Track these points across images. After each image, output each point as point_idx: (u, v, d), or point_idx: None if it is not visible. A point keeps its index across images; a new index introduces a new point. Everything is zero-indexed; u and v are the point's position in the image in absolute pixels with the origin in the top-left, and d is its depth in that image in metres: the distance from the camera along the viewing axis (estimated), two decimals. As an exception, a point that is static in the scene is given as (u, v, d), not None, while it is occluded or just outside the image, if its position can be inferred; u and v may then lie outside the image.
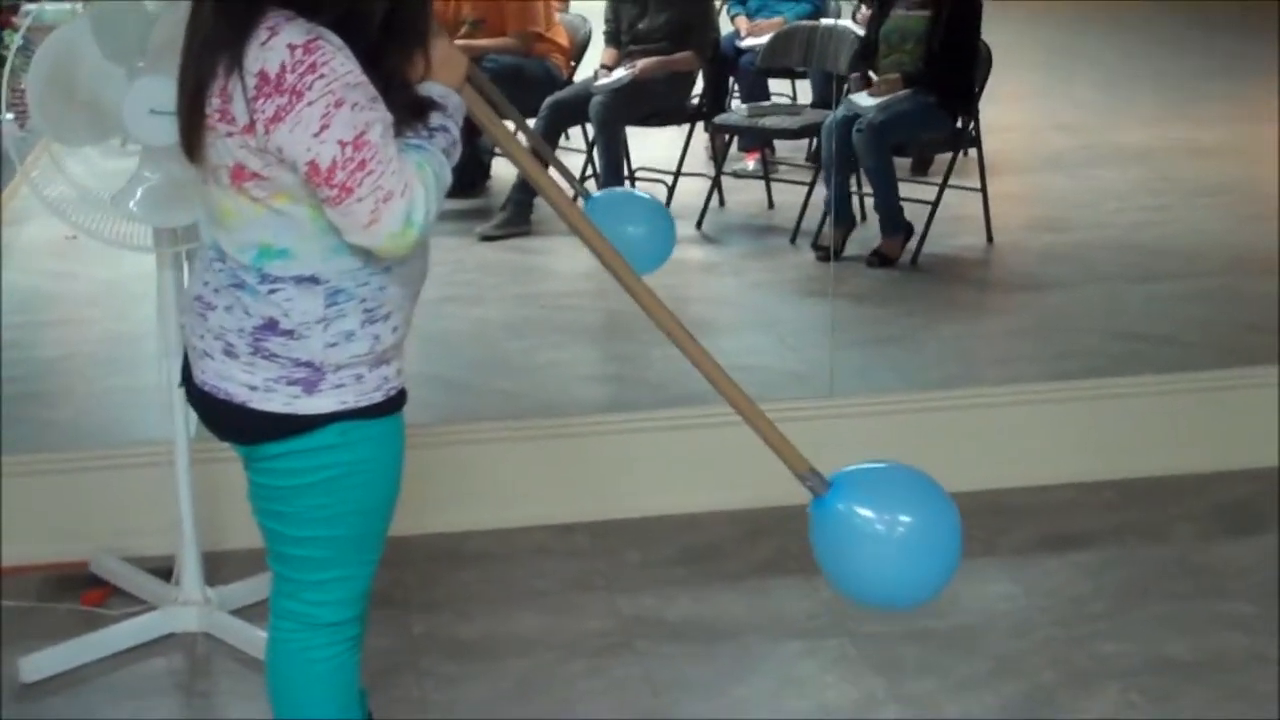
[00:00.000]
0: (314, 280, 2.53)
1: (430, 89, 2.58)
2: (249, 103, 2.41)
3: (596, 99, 6.43)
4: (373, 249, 2.47)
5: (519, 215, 6.38)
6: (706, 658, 3.72)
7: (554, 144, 6.49)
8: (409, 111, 2.52)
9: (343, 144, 2.39)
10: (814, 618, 3.88)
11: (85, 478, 4.24)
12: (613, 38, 6.78)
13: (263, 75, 2.40)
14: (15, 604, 3.99)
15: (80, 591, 4.03)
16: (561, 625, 3.88)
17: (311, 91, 2.38)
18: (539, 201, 6.21)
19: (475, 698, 3.55)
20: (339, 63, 2.41)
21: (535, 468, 4.46)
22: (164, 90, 3.30)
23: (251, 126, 2.42)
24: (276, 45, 2.40)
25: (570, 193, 3.15)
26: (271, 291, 2.54)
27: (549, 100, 6.52)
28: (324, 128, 2.39)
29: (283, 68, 2.39)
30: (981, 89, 6.35)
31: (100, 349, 5.41)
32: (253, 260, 2.54)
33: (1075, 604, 3.96)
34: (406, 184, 2.42)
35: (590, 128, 6.55)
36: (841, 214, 6.15)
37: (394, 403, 2.67)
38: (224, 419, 2.65)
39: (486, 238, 6.35)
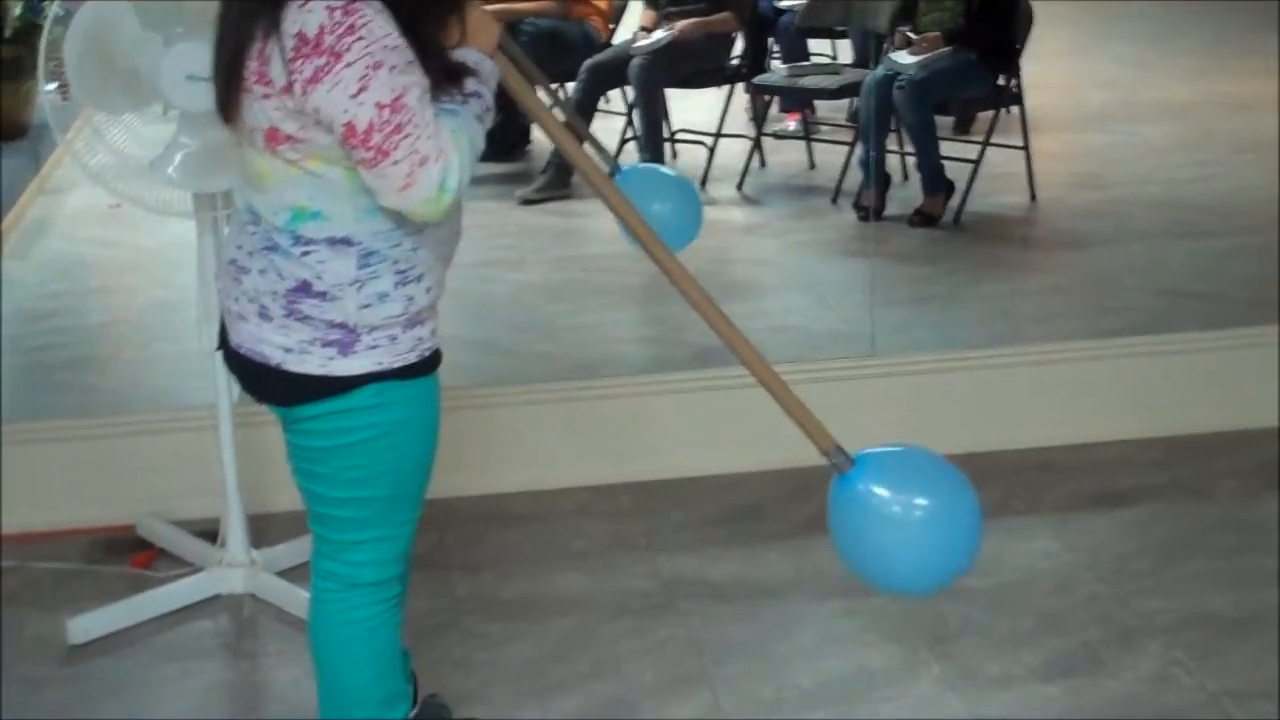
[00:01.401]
0: (347, 242, 2.55)
1: (465, 54, 2.59)
2: (287, 64, 2.42)
3: (635, 61, 6.41)
4: (406, 212, 2.48)
5: (559, 179, 6.37)
6: (749, 617, 3.73)
7: (593, 107, 6.47)
8: (444, 76, 2.53)
9: (380, 106, 2.40)
10: (856, 576, 3.87)
11: (131, 442, 4.27)
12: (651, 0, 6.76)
13: (301, 36, 2.41)
14: (63, 566, 4.03)
15: (127, 554, 4.07)
16: (603, 585, 3.89)
17: (350, 53, 2.39)
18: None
19: (518, 658, 3.57)
20: (378, 25, 2.41)
21: (576, 429, 4.46)
22: (201, 56, 3.30)
23: (289, 88, 2.43)
24: (315, 7, 2.41)
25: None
26: (305, 254, 2.55)
27: (588, 63, 6.50)
28: (362, 89, 2.40)
29: (321, 29, 2.40)
30: (1023, 46, 6.31)
31: (143, 315, 5.44)
32: (286, 223, 2.55)
33: (1119, 561, 3.95)
34: (442, 148, 2.43)
35: (630, 90, 6.53)
36: (879, 173, 6.13)
37: (429, 363, 2.68)
38: (260, 381, 2.68)
39: (527, 201, 6.35)
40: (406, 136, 2.41)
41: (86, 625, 3.67)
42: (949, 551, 2.62)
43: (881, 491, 2.58)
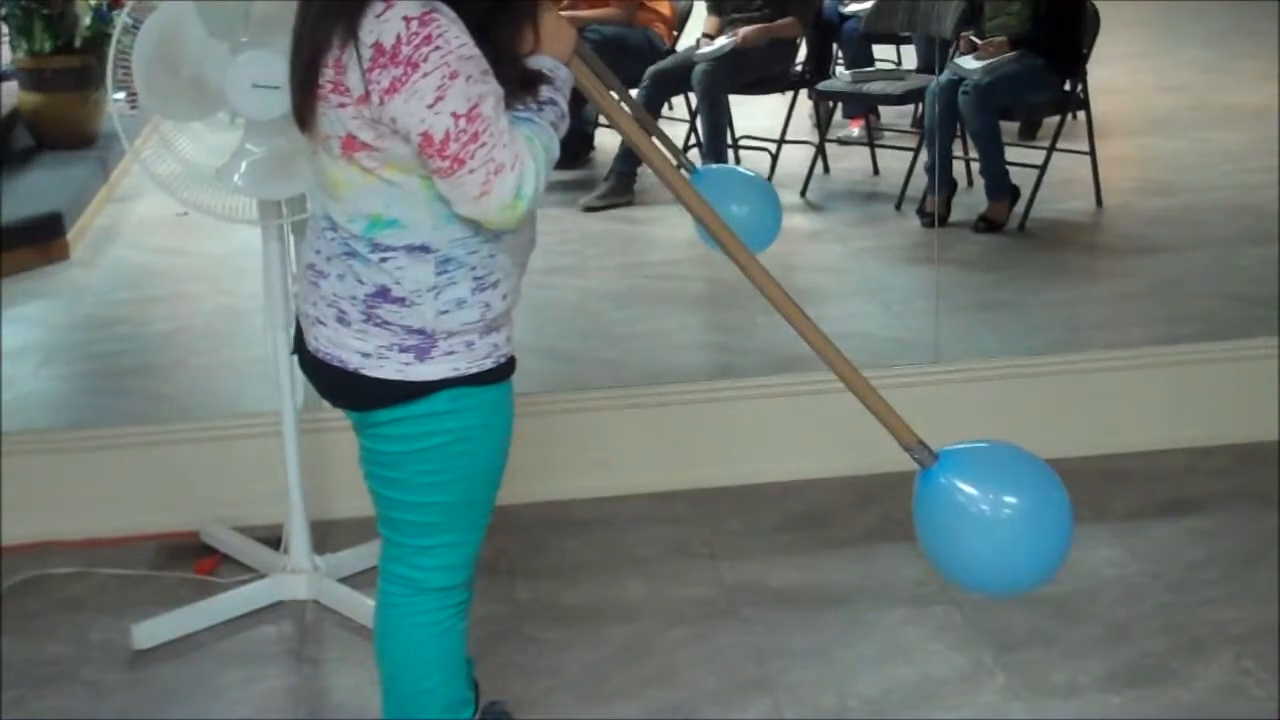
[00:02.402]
0: (425, 249, 2.55)
1: (539, 62, 2.59)
2: (364, 74, 2.43)
3: (699, 68, 6.40)
4: (482, 220, 2.49)
5: (621, 186, 6.37)
6: (811, 625, 3.71)
7: (657, 114, 6.47)
8: (519, 84, 2.54)
9: (456, 116, 2.40)
10: (920, 584, 3.86)
11: (195, 449, 4.30)
12: (715, 6, 6.73)
13: (378, 47, 2.42)
14: (129, 572, 4.06)
15: (192, 560, 4.09)
16: (665, 592, 3.89)
17: (427, 63, 2.40)
18: (642, 171, 6.24)
19: (579, 664, 3.57)
20: (453, 35, 2.42)
21: (639, 436, 4.46)
22: (266, 64, 3.36)
23: (366, 97, 2.45)
24: (392, 17, 2.42)
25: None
26: (383, 260, 2.56)
27: (652, 70, 6.50)
28: (438, 99, 2.40)
29: (398, 39, 2.41)
30: (1089, 50, 6.25)
31: (209, 323, 5.47)
32: (363, 230, 2.56)
33: (1187, 570, 3.91)
34: (517, 156, 2.44)
35: (693, 97, 6.52)
36: (943, 179, 6.09)
37: (504, 370, 2.69)
38: (337, 386, 2.69)
39: (589, 208, 6.35)
40: (482, 145, 2.42)
41: (151, 631, 3.70)
42: (1035, 550, 2.60)
43: (965, 487, 2.57)
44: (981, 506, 2.57)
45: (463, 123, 2.41)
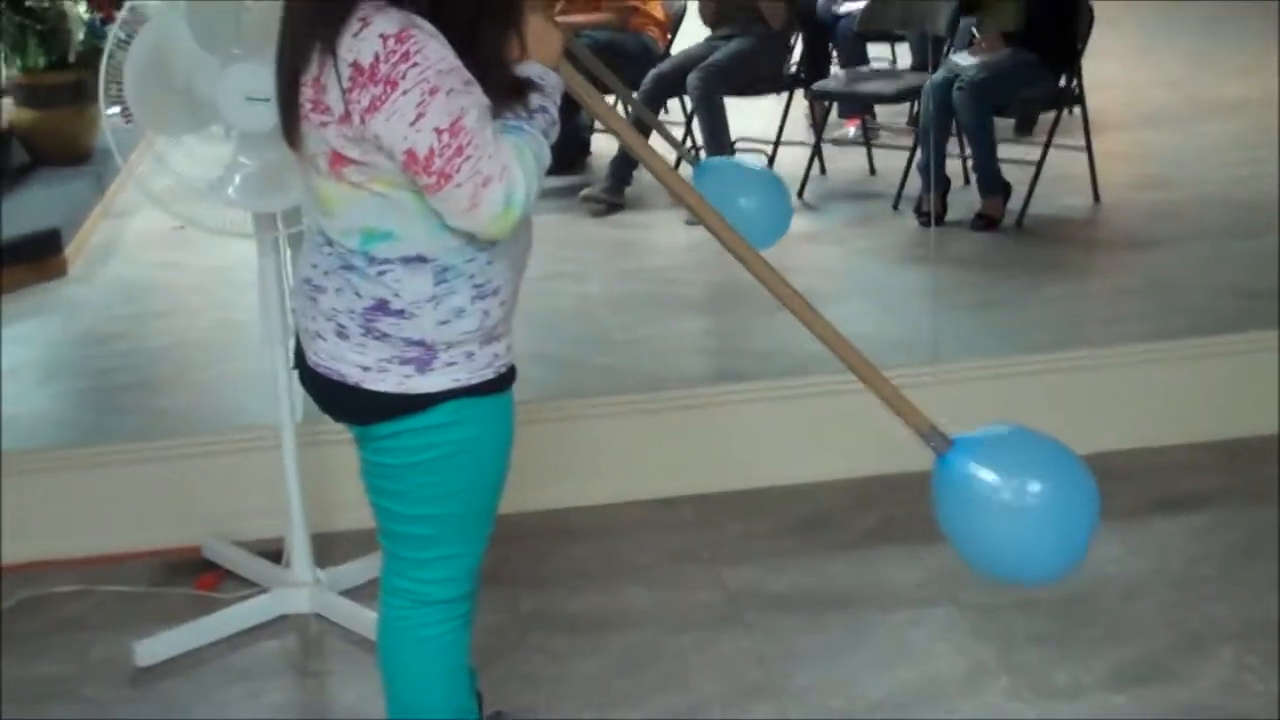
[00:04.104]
0: (421, 259, 2.55)
1: (528, 69, 2.59)
2: (344, 93, 2.43)
3: (692, 74, 6.40)
4: (475, 232, 2.49)
5: (616, 188, 6.38)
6: (814, 629, 3.71)
7: (655, 115, 6.48)
8: (507, 93, 2.53)
9: (439, 131, 2.40)
10: (922, 587, 3.86)
11: (195, 464, 4.30)
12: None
13: (356, 66, 2.41)
14: (130, 589, 4.06)
15: (193, 576, 4.09)
16: (668, 599, 3.88)
17: (405, 81, 2.40)
18: (639, 175, 6.24)
19: (584, 672, 3.57)
20: (432, 50, 2.41)
21: (638, 442, 4.46)
22: (258, 77, 3.35)
23: (347, 117, 2.44)
24: (369, 36, 2.41)
25: (674, 160, 3.12)
26: (381, 273, 2.56)
27: (653, 73, 6.51)
28: (420, 116, 2.40)
29: (376, 58, 2.40)
30: (1084, 45, 6.25)
31: (207, 336, 5.47)
32: (358, 244, 2.56)
33: (1187, 566, 3.90)
34: (504, 166, 2.43)
35: (689, 100, 6.52)
36: (939, 177, 6.09)
37: (504, 379, 2.69)
38: (338, 400, 2.68)
39: (589, 199, 6.34)
40: (468, 159, 2.41)
41: (153, 648, 3.69)
42: (1057, 535, 2.59)
43: (981, 473, 2.56)
44: (1003, 494, 2.56)
45: (446, 137, 2.40)
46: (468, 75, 2.45)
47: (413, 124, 2.40)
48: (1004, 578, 2.80)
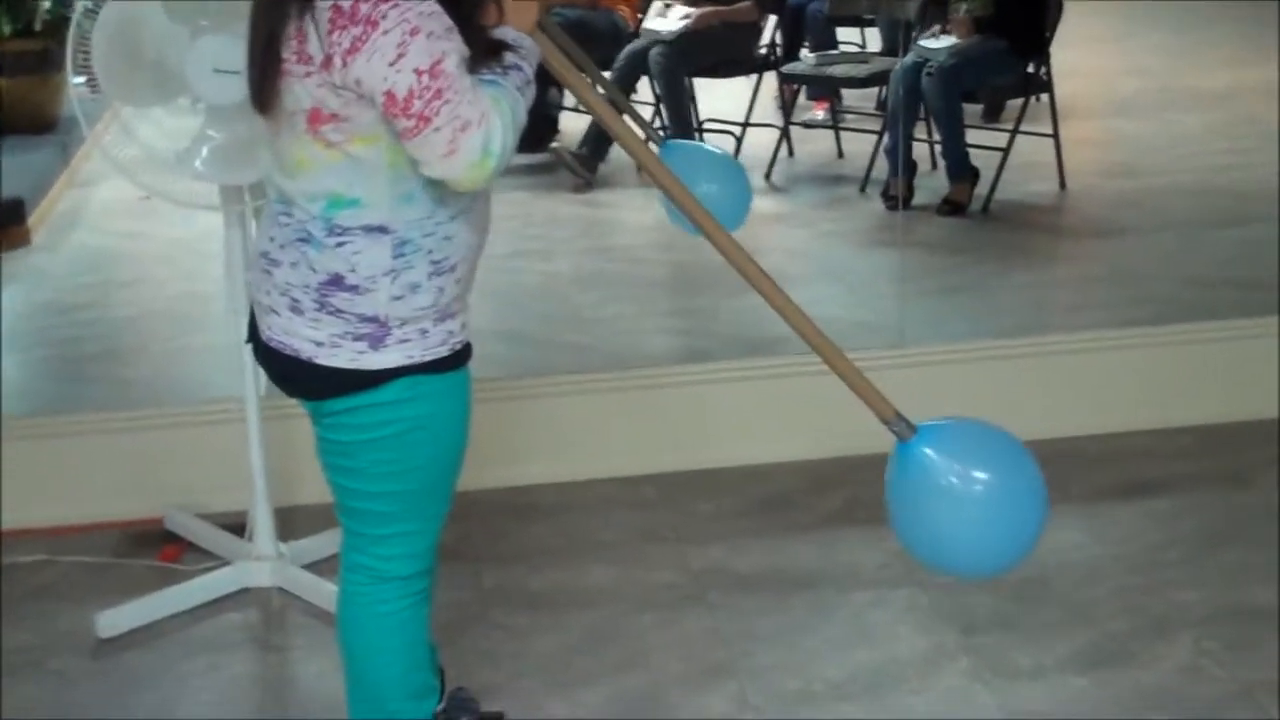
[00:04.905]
0: (383, 230, 2.54)
1: (504, 33, 2.58)
2: (324, 37, 2.42)
3: (654, 51, 6.38)
4: (451, 181, 2.47)
5: (589, 161, 6.37)
6: (777, 609, 3.72)
7: (627, 95, 6.46)
8: (483, 51, 2.52)
9: (419, 72, 2.39)
10: (884, 568, 3.87)
11: (159, 435, 4.28)
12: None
13: (336, 8, 2.41)
14: (92, 560, 4.04)
15: (156, 548, 4.08)
16: (631, 577, 3.89)
17: (386, 20, 2.39)
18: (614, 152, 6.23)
19: (545, 650, 3.57)
20: None
21: (603, 420, 4.46)
22: (228, 49, 3.34)
23: (329, 61, 2.43)
24: None
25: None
26: (339, 245, 2.55)
27: (625, 51, 6.50)
28: (400, 56, 2.39)
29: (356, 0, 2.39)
30: (1053, 33, 6.27)
31: (172, 307, 5.46)
32: (322, 210, 2.55)
33: (1149, 552, 3.93)
34: (483, 113, 2.42)
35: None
36: (905, 161, 6.10)
37: (459, 357, 2.68)
38: (291, 374, 2.67)
39: (558, 154, 6.31)
40: (447, 102, 2.40)
41: (115, 619, 3.68)
42: (1007, 529, 2.60)
43: (943, 461, 2.57)
44: (953, 480, 2.58)
45: (426, 79, 2.40)
46: (449, 22, 2.44)
47: (392, 64, 2.39)
48: (944, 569, 2.82)
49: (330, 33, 2.41)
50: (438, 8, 2.44)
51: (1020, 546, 2.63)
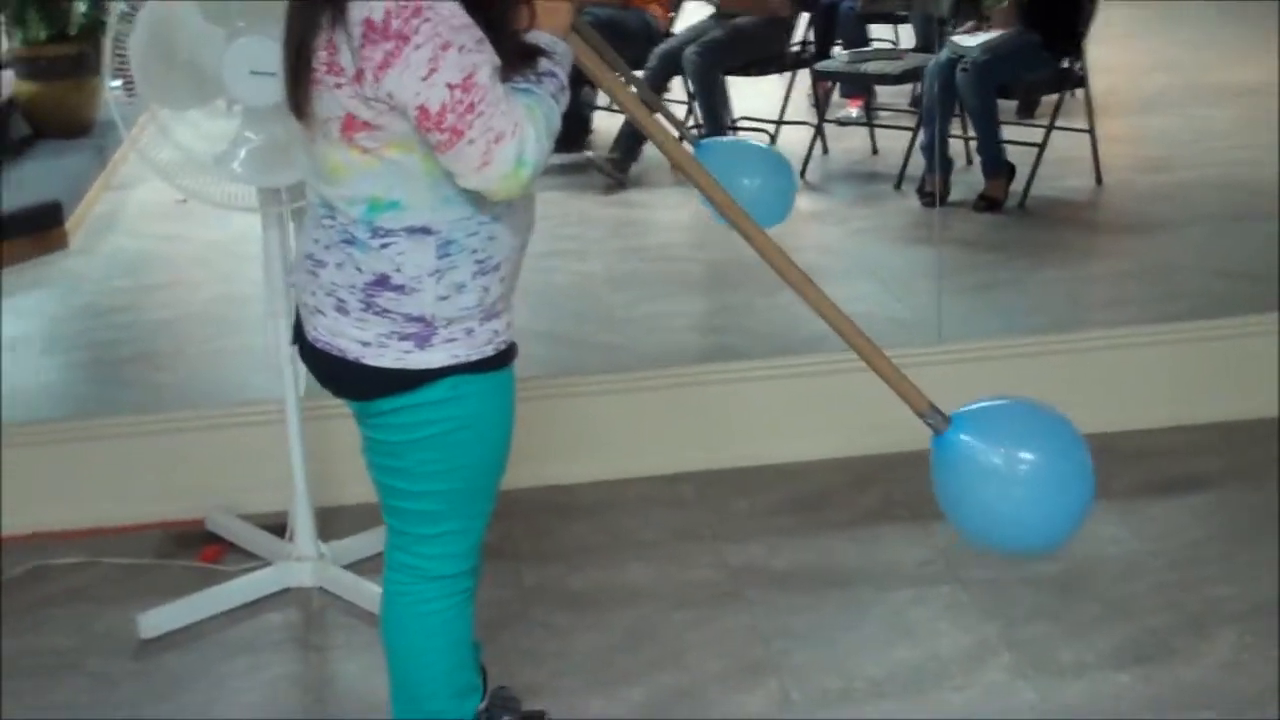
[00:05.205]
0: (426, 231, 2.55)
1: (537, 38, 2.58)
2: (356, 51, 2.42)
3: (689, 51, 6.39)
4: (486, 192, 2.47)
5: (623, 162, 6.37)
6: (815, 606, 3.72)
7: (660, 95, 6.46)
8: (517, 57, 2.52)
9: (451, 86, 2.39)
10: (924, 564, 3.86)
11: (199, 437, 4.30)
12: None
13: (368, 23, 2.41)
14: (134, 561, 4.06)
15: (197, 549, 4.09)
16: (670, 575, 3.89)
17: (418, 35, 2.39)
18: (645, 150, 6.23)
19: (585, 648, 3.57)
20: (444, 6, 2.41)
21: (640, 419, 4.46)
22: (264, 50, 3.35)
23: (360, 75, 2.43)
24: None
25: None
26: (384, 246, 2.55)
27: (658, 50, 6.51)
28: (432, 71, 2.39)
29: (388, 14, 2.40)
30: (1087, 28, 6.25)
31: (209, 309, 5.47)
32: (363, 214, 2.55)
33: (1188, 547, 3.91)
34: (516, 124, 2.42)
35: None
36: (942, 158, 6.09)
37: (504, 356, 2.68)
38: (338, 375, 2.68)
39: (595, 163, 6.32)
40: (480, 115, 2.40)
41: (156, 620, 3.70)
42: (1056, 503, 2.60)
43: (981, 446, 2.57)
44: (996, 462, 2.58)
45: (458, 93, 2.40)
46: (479, 34, 2.44)
47: (425, 79, 2.40)
48: (1000, 548, 2.82)
49: (362, 47, 2.41)
50: (468, 19, 2.43)
51: (1069, 514, 2.62)
